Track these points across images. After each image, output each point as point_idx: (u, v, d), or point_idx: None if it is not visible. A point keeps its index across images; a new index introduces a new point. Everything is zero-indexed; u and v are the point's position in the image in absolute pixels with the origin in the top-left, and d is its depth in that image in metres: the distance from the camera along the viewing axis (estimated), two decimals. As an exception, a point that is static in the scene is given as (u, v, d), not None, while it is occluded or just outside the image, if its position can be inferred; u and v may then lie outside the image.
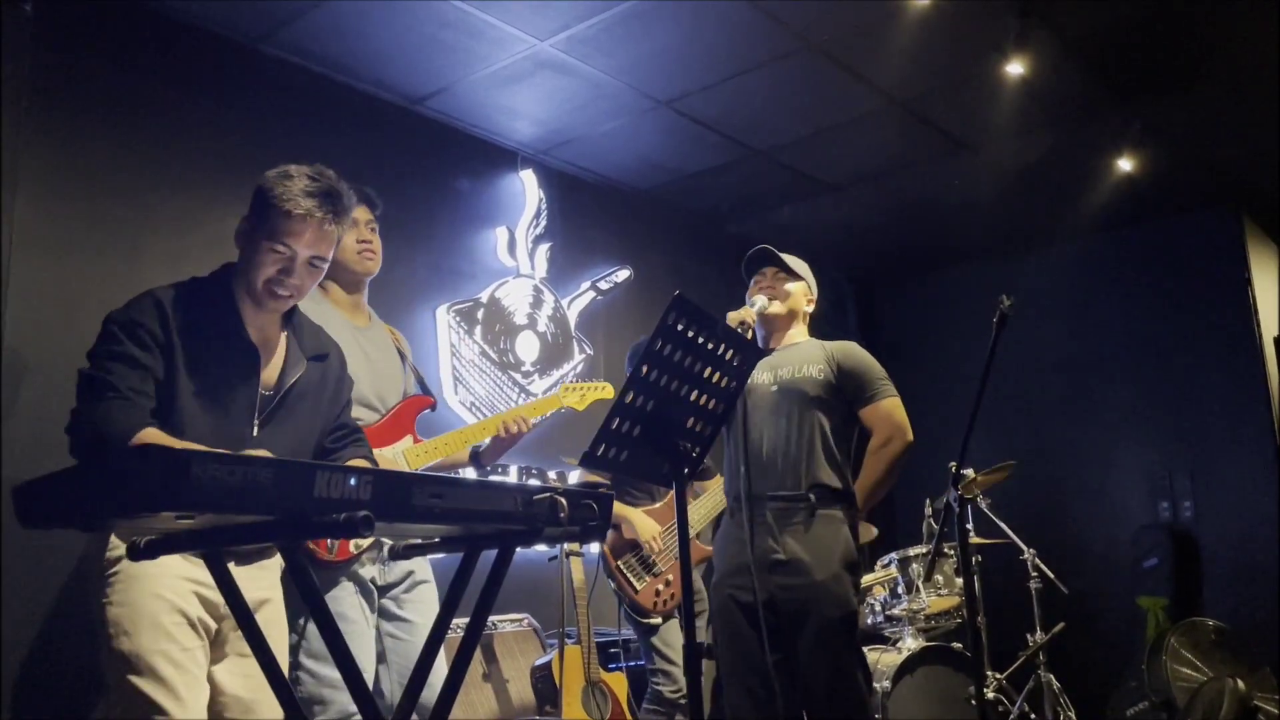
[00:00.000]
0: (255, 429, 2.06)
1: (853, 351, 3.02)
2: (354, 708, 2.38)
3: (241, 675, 2.06)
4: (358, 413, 2.67)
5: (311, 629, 2.44)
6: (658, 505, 3.89)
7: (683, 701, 3.76)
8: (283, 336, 2.19)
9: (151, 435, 1.84)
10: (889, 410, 2.92)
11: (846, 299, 6.98)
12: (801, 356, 2.99)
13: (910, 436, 2.92)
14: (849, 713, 2.75)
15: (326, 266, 2.15)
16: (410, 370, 2.99)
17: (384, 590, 2.69)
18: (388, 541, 1.92)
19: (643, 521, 3.78)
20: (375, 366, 2.79)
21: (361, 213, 2.85)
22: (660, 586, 3.75)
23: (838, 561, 2.80)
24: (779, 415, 2.91)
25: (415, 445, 2.78)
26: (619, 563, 3.74)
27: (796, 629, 2.79)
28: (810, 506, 2.84)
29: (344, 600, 2.56)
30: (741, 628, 2.83)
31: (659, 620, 3.74)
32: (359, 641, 2.58)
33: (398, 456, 2.74)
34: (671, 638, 3.75)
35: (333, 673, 2.45)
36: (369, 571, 2.64)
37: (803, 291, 3.11)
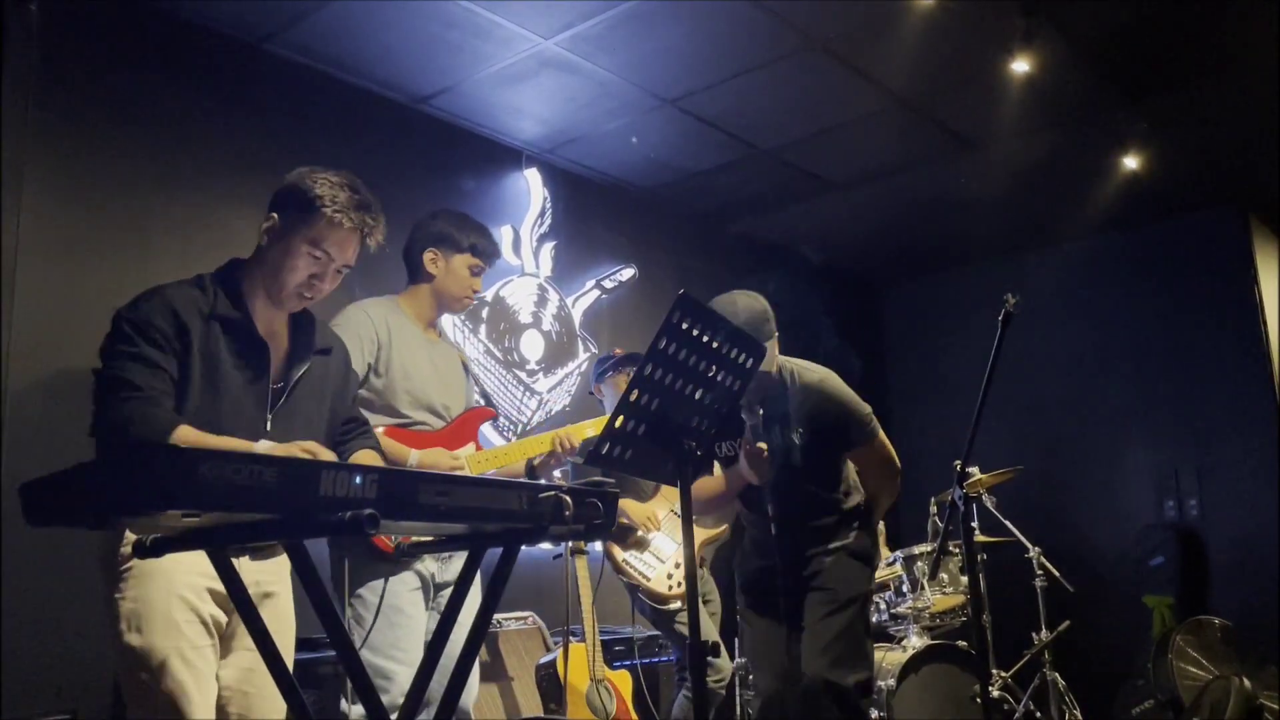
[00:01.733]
0: (268, 423, 2.09)
1: (824, 400, 2.86)
2: (401, 700, 2.42)
3: (245, 668, 2.06)
4: (423, 417, 2.78)
5: (377, 622, 2.51)
6: (646, 505, 3.92)
7: (724, 691, 3.77)
8: (287, 328, 2.21)
9: (187, 433, 1.86)
10: (876, 450, 2.97)
11: (851, 298, 6.96)
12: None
13: (899, 464, 3.01)
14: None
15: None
16: (474, 385, 3.12)
17: (440, 588, 2.73)
18: None
19: (635, 505, 3.84)
20: (442, 376, 2.89)
21: (479, 261, 2.95)
22: (671, 569, 3.80)
23: (859, 582, 2.92)
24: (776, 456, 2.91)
25: (478, 453, 2.87)
26: (624, 557, 3.75)
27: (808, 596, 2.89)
28: (829, 530, 2.93)
29: (402, 595, 2.60)
30: (767, 623, 2.93)
31: (677, 605, 3.75)
32: (414, 636, 2.61)
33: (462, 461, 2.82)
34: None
35: (385, 663, 2.52)
36: (429, 567, 2.68)
37: (769, 354, 2.74)
